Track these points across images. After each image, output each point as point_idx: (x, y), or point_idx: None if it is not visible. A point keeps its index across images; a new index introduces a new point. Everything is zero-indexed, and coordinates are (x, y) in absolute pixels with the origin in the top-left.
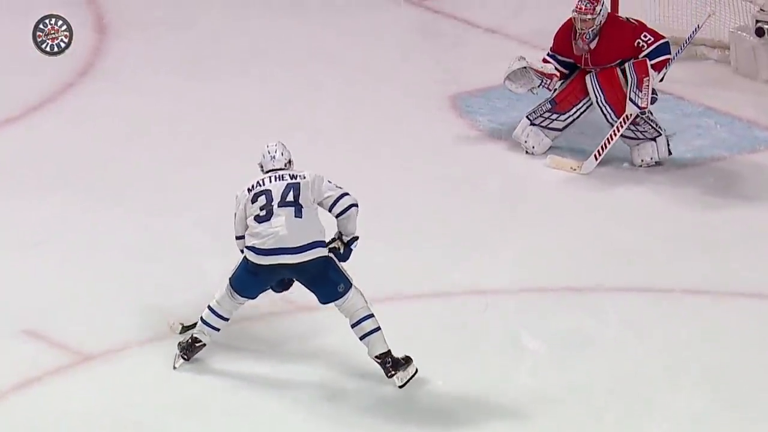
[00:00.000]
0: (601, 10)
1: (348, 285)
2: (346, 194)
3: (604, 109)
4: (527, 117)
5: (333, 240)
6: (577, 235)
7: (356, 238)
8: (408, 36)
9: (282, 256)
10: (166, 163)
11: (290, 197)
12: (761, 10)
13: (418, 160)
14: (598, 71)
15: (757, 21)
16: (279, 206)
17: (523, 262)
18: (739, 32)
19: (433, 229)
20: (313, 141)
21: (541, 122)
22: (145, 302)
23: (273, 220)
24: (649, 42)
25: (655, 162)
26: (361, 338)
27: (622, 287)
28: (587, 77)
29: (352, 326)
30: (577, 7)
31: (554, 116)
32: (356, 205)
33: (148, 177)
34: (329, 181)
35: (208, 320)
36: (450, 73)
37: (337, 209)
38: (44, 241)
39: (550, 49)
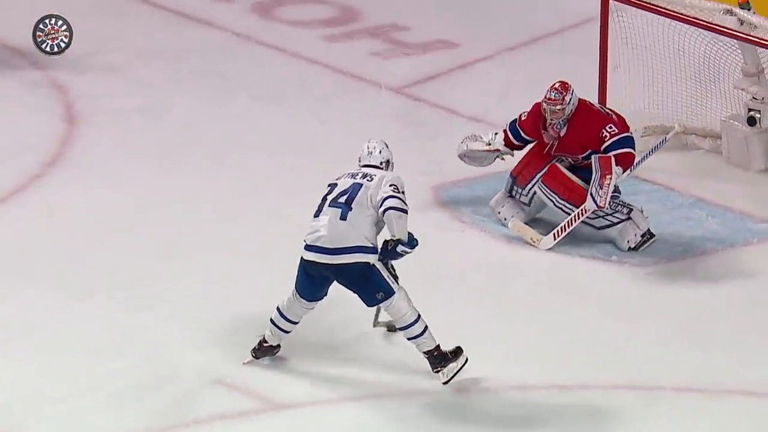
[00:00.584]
0: (571, 99)
1: (389, 292)
2: (394, 197)
3: (563, 208)
4: (506, 189)
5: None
6: (564, 331)
7: (402, 242)
8: (389, 125)
9: (317, 254)
10: (137, 257)
11: (344, 198)
12: (753, 98)
13: None
14: (542, 176)
15: (750, 109)
16: (329, 205)
17: (508, 359)
18: (731, 121)
19: None
20: (291, 234)
21: (514, 194)
22: (116, 400)
23: (321, 217)
24: (612, 133)
25: (641, 236)
26: (410, 339)
27: (612, 385)
28: (536, 188)
29: (399, 329)
30: (546, 98)
31: (519, 189)
32: (397, 209)
33: (118, 270)
34: (395, 187)
35: (276, 322)
36: (433, 163)
37: (381, 209)
38: (10, 339)
39: (517, 123)
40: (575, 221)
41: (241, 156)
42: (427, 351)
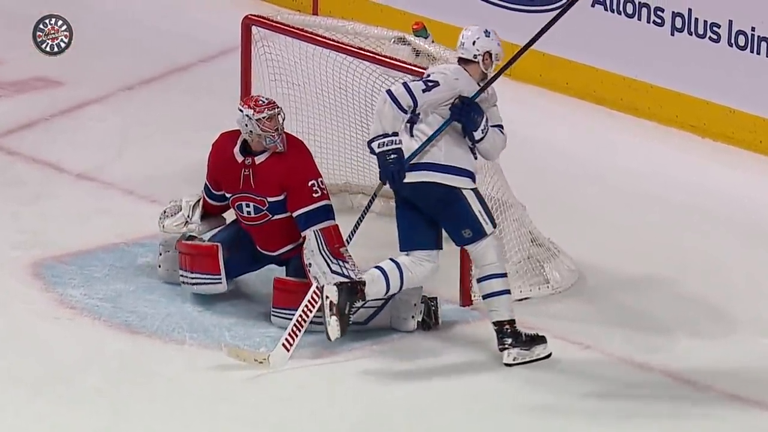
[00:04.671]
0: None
1: (479, 233)
2: (403, 82)
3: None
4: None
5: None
6: None
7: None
8: None
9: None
10: None
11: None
12: None
13: None
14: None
15: None
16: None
17: None
18: None
19: None
20: None
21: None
22: None
23: None
24: (322, 194)
25: (423, 302)
26: (484, 297)
27: None
28: None
29: (477, 281)
30: (257, 107)
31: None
32: (388, 93)
33: None
34: (427, 76)
35: (389, 275)
36: (30, 234)
37: None
38: None
39: (207, 178)
40: (305, 318)
41: None
42: (498, 322)
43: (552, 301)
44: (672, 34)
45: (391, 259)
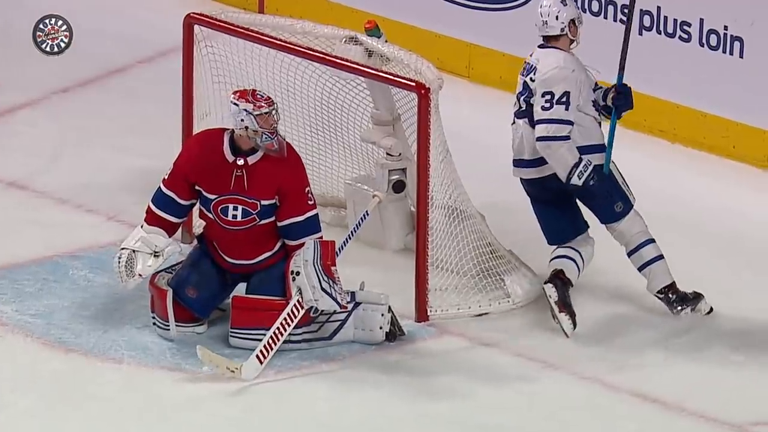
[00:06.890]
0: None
1: (628, 205)
2: (543, 120)
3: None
4: None
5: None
6: None
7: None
8: None
9: (518, 168)
10: None
11: (523, 104)
12: (388, 154)
13: None
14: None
15: (391, 171)
16: (515, 114)
17: None
18: (359, 185)
19: None
20: None
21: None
22: None
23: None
24: (314, 201)
25: (390, 311)
26: (640, 269)
27: None
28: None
29: (629, 255)
30: (254, 101)
31: None
32: (545, 139)
33: None
34: (549, 96)
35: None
36: None
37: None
38: None
39: (163, 186)
40: (283, 331)
41: None
42: (661, 290)
43: (512, 316)
44: (640, 34)
45: (563, 247)
